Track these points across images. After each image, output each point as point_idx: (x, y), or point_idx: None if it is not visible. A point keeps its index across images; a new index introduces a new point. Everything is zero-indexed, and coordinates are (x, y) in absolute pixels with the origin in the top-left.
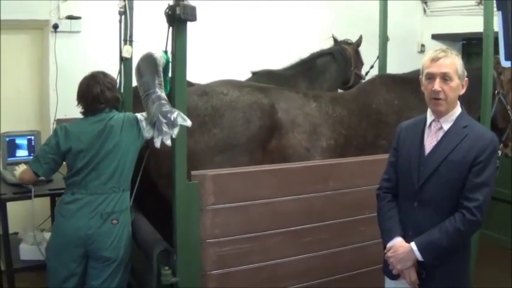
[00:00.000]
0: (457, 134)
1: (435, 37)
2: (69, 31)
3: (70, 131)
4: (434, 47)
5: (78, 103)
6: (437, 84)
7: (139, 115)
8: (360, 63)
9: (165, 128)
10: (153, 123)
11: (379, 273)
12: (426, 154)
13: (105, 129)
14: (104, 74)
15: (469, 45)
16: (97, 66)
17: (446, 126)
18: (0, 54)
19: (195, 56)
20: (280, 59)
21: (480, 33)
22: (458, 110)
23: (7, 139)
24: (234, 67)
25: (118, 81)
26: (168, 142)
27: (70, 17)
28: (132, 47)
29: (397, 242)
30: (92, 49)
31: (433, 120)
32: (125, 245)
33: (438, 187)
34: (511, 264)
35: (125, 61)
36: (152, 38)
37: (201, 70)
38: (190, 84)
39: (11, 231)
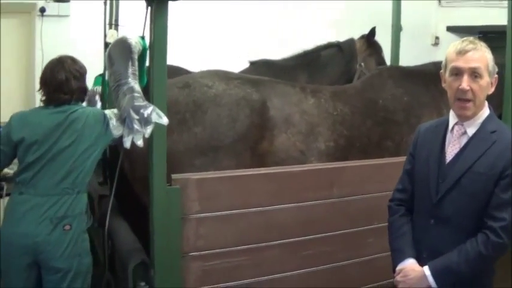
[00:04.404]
0: (483, 140)
1: (450, 29)
2: (56, 15)
3: (25, 120)
4: (449, 40)
5: (40, 88)
6: (465, 82)
7: (109, 111)
8: (373, 60)
9: (136, 126)
10: (123, 119)
11: None
12: (447, 163)
13: (64, 122)
14: (73, 60)
15: (486, 39)
16: (85, 52)
17: (471, 131)
18: None
19: (186, 43)
20: (286, 50)
21: (499, 26)
22: (486, 112)
23: None
24: (231, 55)
25: (103, 68)
26: (140, 142)
27: (58, 0)
28: (117, 31)
29: (409, 265)
30: (80, 34)
31: (456, 123)
32: (81, 253)
33: (459, 202)
34: None
35: None
36: (140, 22)
37: (194, 59)
38: (185, 71)
39: None
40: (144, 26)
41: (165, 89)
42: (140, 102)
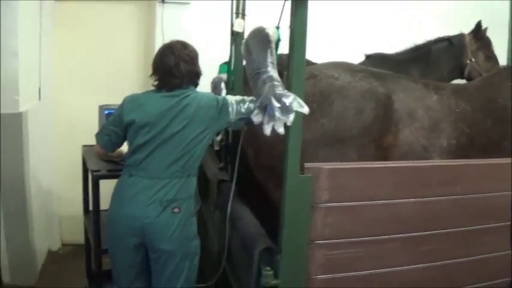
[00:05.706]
0: None
1: None
2: (178, 2)
3: (137, 102)
4: None
5: (152, 74)
6: None
7: (229, 97)
8: (481, 53)
9: (278, 114)
10: (264, 107)
11: None
12: None
13: (177, 106)
14: (183, 45)
15: None
16: (206, 39)
17: None
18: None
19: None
20: (399, 44)
21: None
22: None
23: (106, 112)
24: (347, 48)
25: (229, 57)
26: (281, 130)
27: None
28: (244, 20)
29: None
30: (201, 22)
31: None
32: (189, 236)
33: None
34: None
35: (236, 36)
36: (266, 12)
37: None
38: (311, 63)
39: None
40: (280, 17)
41: (303, 79)
42: (281, 90)
